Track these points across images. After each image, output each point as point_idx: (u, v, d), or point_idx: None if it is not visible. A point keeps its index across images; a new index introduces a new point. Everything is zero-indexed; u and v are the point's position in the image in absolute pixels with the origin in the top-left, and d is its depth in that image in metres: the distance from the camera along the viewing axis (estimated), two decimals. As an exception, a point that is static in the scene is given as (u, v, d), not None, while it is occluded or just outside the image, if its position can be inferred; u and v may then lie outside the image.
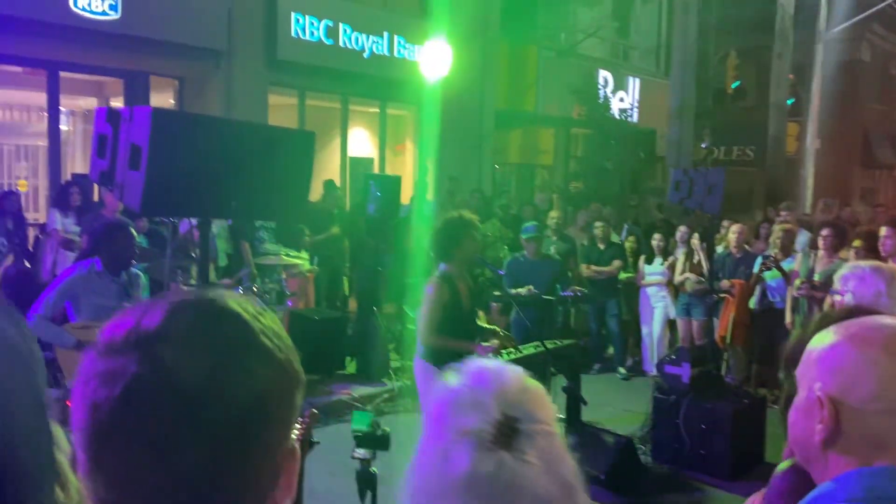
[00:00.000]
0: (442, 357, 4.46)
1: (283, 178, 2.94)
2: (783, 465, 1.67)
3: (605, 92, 14.15)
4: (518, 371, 1.09)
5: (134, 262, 4.83)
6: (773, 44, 16.13)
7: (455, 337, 4.51)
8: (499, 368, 1.09)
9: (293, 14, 10.48)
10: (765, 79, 16.92)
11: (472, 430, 1.00)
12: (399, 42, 11.74)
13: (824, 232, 6.77)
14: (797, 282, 6.76)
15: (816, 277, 6.58)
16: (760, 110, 16.96)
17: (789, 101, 16.85)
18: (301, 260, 8.23)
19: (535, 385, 1.08)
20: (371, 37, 11.36)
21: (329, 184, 10.10)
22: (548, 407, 1.07)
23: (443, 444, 1.01)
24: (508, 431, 1.00)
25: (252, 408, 0.73)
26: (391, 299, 8.98)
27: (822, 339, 1.20)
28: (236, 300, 0.79)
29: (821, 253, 6.79)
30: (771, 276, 7.22)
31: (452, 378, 1.08)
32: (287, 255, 7.99)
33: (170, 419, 0.70)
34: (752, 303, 7.48)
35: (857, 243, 6.14)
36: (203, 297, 0.78)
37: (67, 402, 1.41)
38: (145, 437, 0.70)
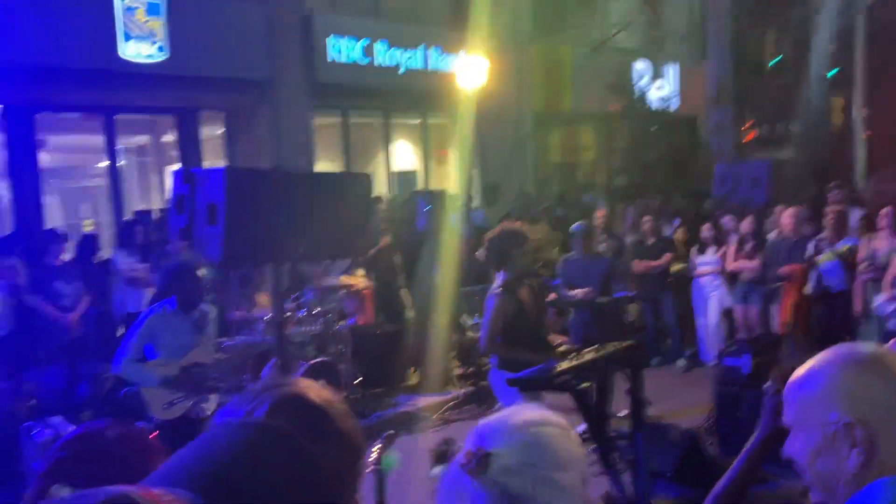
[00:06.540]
0: (517, 365, 4.51)
1: (345, 219, 3.15)
2: None
3: (641, 84, 14.11)
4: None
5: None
6: (811, 17, 15.84)
7: (521, 348, 4.53)
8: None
9: (330, 37, 10.76)
10: (805, 52, 16.59)
11: None
12: (434, 54, 11.93)
13: (884, 211, 6.73)
14: (861, 266, 6.72)
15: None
16: (802, 85, 16.64)
17: (831, 73, 16.48)
18: (358, 278, 8.46)
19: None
20: (406, 51, 11.57)
21: (376, 200, 10.32)
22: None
23: None
24: None
25: (334, 480, 0.97)
26: (445, 309, 9.15)
27: (807, 378, 1.23)
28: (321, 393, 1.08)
29: (881, 233, 6.75)
30: (826, 258, 7.17)
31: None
32: (345, 275, 8.24)
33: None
34: (807, 288, 7.45)
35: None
36: (298, 392, 1.06)
37: (152, 436, 1.68)
38: None
